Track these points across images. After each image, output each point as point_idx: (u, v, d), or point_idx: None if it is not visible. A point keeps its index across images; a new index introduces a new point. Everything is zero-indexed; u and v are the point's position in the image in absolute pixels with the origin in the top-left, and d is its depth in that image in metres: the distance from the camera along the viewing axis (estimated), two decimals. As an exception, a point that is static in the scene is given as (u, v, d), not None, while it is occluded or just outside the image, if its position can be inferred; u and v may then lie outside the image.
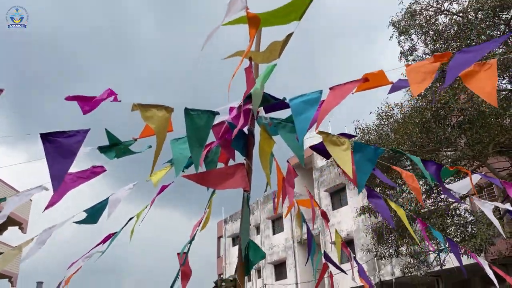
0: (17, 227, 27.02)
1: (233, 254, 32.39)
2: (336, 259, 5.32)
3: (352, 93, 2.74)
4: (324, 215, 4.74)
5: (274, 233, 31.00)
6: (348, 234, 24.00)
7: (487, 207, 3.73)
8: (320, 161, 28.01)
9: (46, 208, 2.94)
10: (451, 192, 3.72)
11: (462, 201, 16.70)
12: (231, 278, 2.59)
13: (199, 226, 4.13)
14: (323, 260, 5.09)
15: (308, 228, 4.38)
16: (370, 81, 2.65)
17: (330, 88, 2.75)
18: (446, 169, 3.45)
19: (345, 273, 4.80)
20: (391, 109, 16.21)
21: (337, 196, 26.37)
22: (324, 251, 4.97)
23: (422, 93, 14.64)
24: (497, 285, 4.04)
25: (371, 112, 16.44)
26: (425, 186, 15.29)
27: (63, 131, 2.59)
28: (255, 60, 3.19)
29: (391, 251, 16.51)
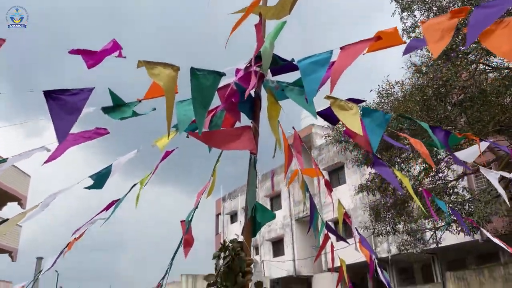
0: (16, 202, 27.14)
1: (231, 231, 32.68)
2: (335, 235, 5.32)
3: (363, 54, 2.67)
4: (328, 185, 4.73)
5: (272, 211, 31.23)
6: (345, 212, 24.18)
7: (492, 176, 3.71)
8: (319, 140, 28.01)
9: (46, 162, 2.92)
10: (456, 159, 3.68)
11: (460, 179, 16.81)
12: (238, 240, 2.58)
13: (203, 194, 4.12)
14: (325, 231, 5.10)
15: (310, 196, 4.37)
16: (383, 40, 2.58)
17: (341, 48, 2.67)
18: (454, 136, 3.41)
19: (347, 242, 4.82)
20: (391, 87, 16.09)
21: (335, 174, 26.47)
22: (326, 222, 4.97)
23: (424, 70, 14.53)
24: (507, 248, 4.05)
25: (371, 90, 16.31)
26: (424, 165, 15.33)
27: (67, 89, 2.53)
28: (265, 15, 3.09)
29: (388, 228, 16.66)
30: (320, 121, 24.32)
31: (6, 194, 25.98)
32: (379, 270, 5.73)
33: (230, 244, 2.48)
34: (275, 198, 31.74)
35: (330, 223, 24.57)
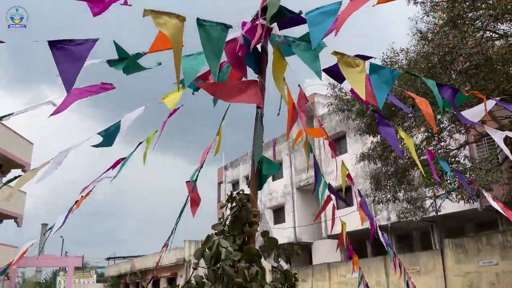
0: (20, 169, 27.42)
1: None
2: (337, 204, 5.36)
3: (373, 5, 2.62)
4: (332, 146, 4.74)
5: (273, 180, 31.51)
6: (346, 181, 24.37)
7: (498, 136, 3.71)
8: (321, 109, 27.93)
9: (52, 114, 2.91)
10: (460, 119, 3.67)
11: (462, 148, 16.83)
12: (245, 192, 2.62)
13: (208, 153, 4.13)
14: (327, 192, 5.15)
15: (314, 158, 4.39)
16: (394, -11, 2.52)
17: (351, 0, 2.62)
18: (461, 94, 3.38)
19: (347, 203, 4.89)
20: (396, 54, 15.88)
21: (337, 144, 26.52)
22: (329, 183, 5.02)
23: (430, 37, 14.28)
24: (504, 213, 4.10)
25: (375, 58, 16.07)
26: (426, 133, 15.33)
27: (72, 39, 2.51)
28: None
29: (388, 196, 16.82)
30: (323, 90, 24.13)
31: (10, 161, 26.27)
32: (379, 232, 5.83)
33: (237, 196, 2.51)
34: (277, 167, 31.92)
35: (333, 244, 24.59)
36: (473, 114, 3.60)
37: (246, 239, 2.47)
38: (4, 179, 28.05)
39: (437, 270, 18.36)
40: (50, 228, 4.49)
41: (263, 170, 2.82)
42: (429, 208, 17.96)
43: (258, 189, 2.77)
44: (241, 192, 2.59)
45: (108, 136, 3.46)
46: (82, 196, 4.15)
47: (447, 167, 4.40)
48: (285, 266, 2.24)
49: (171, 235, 5.10)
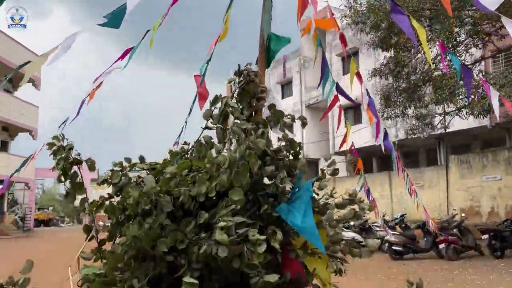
0: (30, 84, 27.64)
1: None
2: (347, 95, 5.33)
3: None
4: (343, 39, 4.63)
5: (283, 97, 31.46)
6: (356, 99, 24.26)
7: (513, 26, 3.58)
8: (334, 24, 26.96)
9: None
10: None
11: (477, 63, 16.40)
12: (253, 70, 2.63)
13: (216, 44, 4.09)
14: (335, 92, 5.14)
15: (322, 51, 4.32)
16: None
17: None
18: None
19: (353, 101, 4.89)
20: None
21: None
22: (337, 82, 4.99)
23: None
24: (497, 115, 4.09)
25: None
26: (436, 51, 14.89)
27: None
28: None
29: (397, 111, 16.81)
30: (336, 2, 23.00)
31: (17, 126, 26.82)
32: (381, 141, 5.90)
33: (246, 70, 2.53)
34: (286, 85, 31.71)
35: (340, 160, 24.32)
36: (490, 2, 3.45)
37: (253, 113, 2.54)
38: (13, 142, 28.74)
39: (441, 184, 18.89)
40: (64, 122, 4.61)
41: (272, 46, 2.81)
42: (438, 125, 18.01)
43: (266, 67, 2.78)
44: (248, 66, 2.60)
45: (114, 17, 3.40)
46: (93, 89, 4.22)
47: (457, 61, 4.32)
48: (290, 135, 2.33)
49: (181, 132, 5.24)
